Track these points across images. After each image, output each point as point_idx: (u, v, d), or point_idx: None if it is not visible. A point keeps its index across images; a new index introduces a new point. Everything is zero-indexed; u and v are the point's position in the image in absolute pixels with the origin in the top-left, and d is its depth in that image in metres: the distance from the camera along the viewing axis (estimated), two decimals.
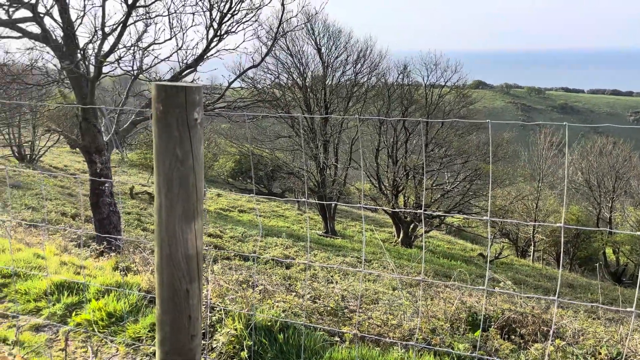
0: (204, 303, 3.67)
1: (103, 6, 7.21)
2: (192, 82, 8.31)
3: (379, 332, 3.81)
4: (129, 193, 21.21)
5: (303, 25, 19.95)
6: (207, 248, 3.48)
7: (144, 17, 7.90)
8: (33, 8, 6.82)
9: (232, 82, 9.09)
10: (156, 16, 8.10)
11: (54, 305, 4.25)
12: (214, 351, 3.47)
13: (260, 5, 8.47)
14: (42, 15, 6.97)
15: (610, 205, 29.85)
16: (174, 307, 1.65)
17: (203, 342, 3.56)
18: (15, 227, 7.78)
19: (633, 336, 2.94)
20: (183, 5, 8.03)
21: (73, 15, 7.16)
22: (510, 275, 20.08)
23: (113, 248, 6.87)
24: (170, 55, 8.26)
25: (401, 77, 25.16)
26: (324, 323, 4.05)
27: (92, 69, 7.48)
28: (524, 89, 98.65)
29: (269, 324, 3.68)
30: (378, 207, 24.00)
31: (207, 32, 8.38)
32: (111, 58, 7.64)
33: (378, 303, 6.49)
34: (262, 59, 9.63)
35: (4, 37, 8.38)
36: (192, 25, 8.26)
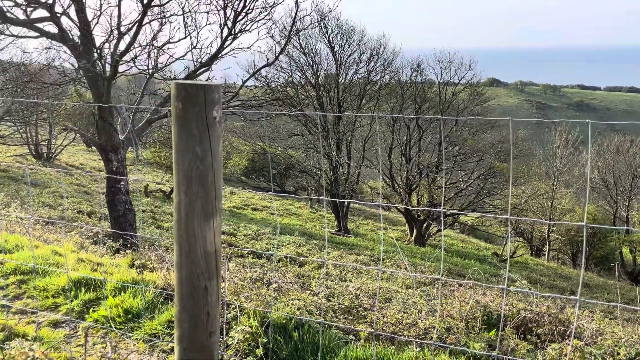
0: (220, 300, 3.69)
1: (119, 5, 7.28)
2: (207, 80, 8.35)
3: (394, 331, 3.80)
4: (143, 191, 21.40)
5: (317, 24, 19.94)
6: (222, 246, 3.50)
7: (159, 17, 7.96)
8: (50, 8, 6.91)
9: (247, 80, 9.12)
10: (171, 15, 8.16)
11: (72, 301, 4.31)
12: (230, 348, 3.49)
13: (274, 4, 8.50)
14: (59, 15, 7.05)
15: (627, 204, 29.41)
16: (193, 304, 1.66)
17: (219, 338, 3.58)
18: (34, 224, 7.89)
19: None
20: (198, 4, 8.08)
21: (89, 15, 7.26)
22: (525, 275, 19.91)
23: (129, 245, 6.94)
24: (185, 54, 8.32)
25: (414, 75, 25.03)
26: (338, 321, 4.05)
27: (108, 68, 7.56)
28: (539, 87, 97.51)
29: (284, 321, 3.69)
30: (398, 206, 23.92)
31: (222, 30, 8.43)
32: (127, 57, 7.71)
33: (392, 301, 6.47)
34: (276, 58, 9.65)
35: (22, 37, 8.50)
36: (206, 24, 8.32)
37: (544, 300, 5.46)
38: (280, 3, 8.35)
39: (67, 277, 4.49)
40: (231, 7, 8.20)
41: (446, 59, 25.15)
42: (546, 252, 28.55)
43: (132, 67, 7.96)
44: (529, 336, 4.65)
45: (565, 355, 3.01)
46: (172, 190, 21.33)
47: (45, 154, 25.12)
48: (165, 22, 8.05)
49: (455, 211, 23.06)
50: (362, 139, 24.48)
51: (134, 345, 3.41)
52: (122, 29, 7.39)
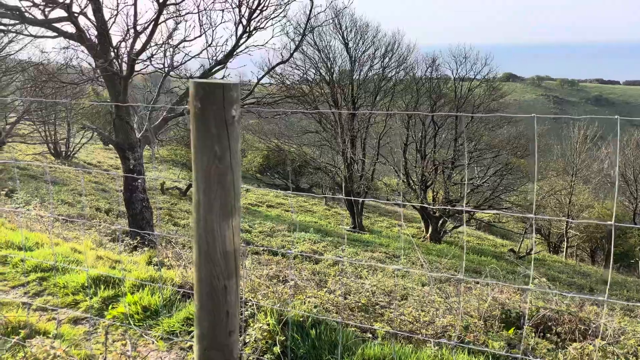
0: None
1: (135, 5, 7.33)
2: (222, 78, 8.37)
3: (412, 329, 3.77)
4: (159, 188, 21.58)
5: (331, 20, 19.88)
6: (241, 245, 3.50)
7: (175, 15, 8.00)
8: (68, 8, 6.98)
9: (262, 77, 9.14)
10: (186, 13, 8.19)
11: (91, 298, 4.36)
12: (247, 346, 3.50)
13: (288, 1, 8.48)
14: (76, 14, 7.12)
15: None
16: (212, 303, 1.66)
17: None
18: (53, 221, 8.01)
19: None
20: (213, 3, 8.10)
21: (106, 15, 7.32)
22: (542, 272, 19.66)
23: (146, 243, 7.01)
24: (201, 52, 8.35)
25: (430, 71, 24.84)
26: (355, 319, 4.04)
27: (124, 66, 7.63)
28: (556, 81, 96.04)
29: (301, 319, 3.69)
30: (422, 204, 23.80)
31: (236, 28, 8.44)
32: (143, 56, 7.77)
33: (407, 299, 6.44)
34: (291, 55, 9.64)
35: (40, 37, 8.60)
36: (221, 22, 8.33)
37: (562, 298, 5.38)
38: (294, 0, 8.33)
39: (87, 274, 4.54)
40: (246, 4, 8.21)
41: (462, 54, 24.92)
42: (564, 249, 28.18)
43: (148, 65, 8.03)
44: (548, 335, 4.59)
45: (587, 354, 2.95)
46: (188, 188, 21.44)
47: (63, 152, 25.47)
48: (181, 21, 8.10)
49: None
50: (377, 135, 24.38)
51: (153, 343, 3.43)
52: (138, 27, 7.45)
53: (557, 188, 27.01)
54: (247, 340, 3.51)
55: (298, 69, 23.09)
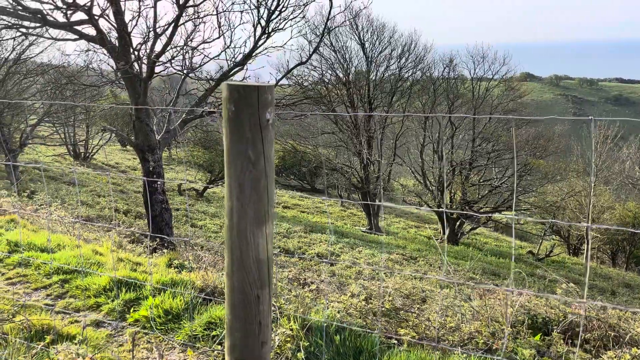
0: None
1: (155, 7, 7.35)
2: (242, 80, 8.36)
3: (437, 336, 3.69)
4: (176, 190, 21.72)
5: (348, 22, 19.80)
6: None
7: (194, 17, 8.01)
8: (88, 10, 7.02)
9: (281, 79, 9.11)
10: (205, 15, 8.20)
11: (112, 301, 4.35)
12: (271, 351, 3.45)
13: (307, 2, 8.44)
14: (97, 17, 7.17)
15: None
16: (245, 313, 1.61)
17: None
18: (73, 223, 8.07)
19: None
20: (232, 4, 8.09)
21: (127, 17, 7.35)
22: (563, 274, 19.33)
23: (165, 244, 7.01)
24: (220, 54, 8.35)
25: (447, 71, 24.62)
26: (379, 324, 3.97)
27: (144, 68, 7.65)
28: (574, 81, 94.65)
29: (325, 324, 3.63)
30: (463, 212, 23.61)
31: (255, 29, 8.42)
32: (163, 58, 7.78)
33: (426, 302, 6.34)
34: (310, 56, 9.60)
35: (61, 40, 8.68)
36: (240, 24, 8.31)
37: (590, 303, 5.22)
38: (313, 0, 8.29)
39: (109, 277, 4.53)
40: (265, 5, 8.19)
41: (479, 54, 24.65)
42: (584, 251, 27.69)
43: (168, 67, 8.04)
44: (576, 341, 4.46)
45: None
46: (205, 189, 21.46)
47: (82, 153, 25.78)
48: (200, 23, 8.10)
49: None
50: (394, 136, 24.23)
51: (175, 348, 3.40)
52: (158, 30, 7.47)
53: (577, 189, 26.56)
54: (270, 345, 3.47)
55: (315, 70, 23.07)
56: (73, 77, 9.60)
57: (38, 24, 7.38)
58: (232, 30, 8.29)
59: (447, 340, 3.63)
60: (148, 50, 7.50)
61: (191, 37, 8.04)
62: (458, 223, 24.11)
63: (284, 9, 8.31)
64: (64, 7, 7.12)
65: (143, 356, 3.09)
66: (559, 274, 19.69)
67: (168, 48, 7.67)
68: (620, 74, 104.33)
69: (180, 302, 4.16)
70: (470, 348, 3.60)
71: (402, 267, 15.29)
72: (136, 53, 7.44)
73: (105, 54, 7.60)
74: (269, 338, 1.67)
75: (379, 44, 23.55)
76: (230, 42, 8.35)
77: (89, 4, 6.94)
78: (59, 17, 7.34)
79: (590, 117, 1.51)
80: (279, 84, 9.71)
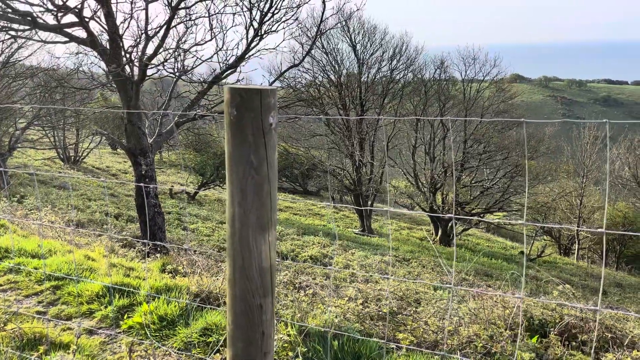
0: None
1: (146, 9, 7.27)
2: (235, 82, 8.30)
3: (436, 339, 3.66)
4: (168, 193, 21.58)
5: (340, 24, 19.78)
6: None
7: (186, 19, 7.94)
8: (79, 13, 6.93)
9: (273, 82, 9.06)
10: (197, 18, 8.13)
11: (106, 307, 4.28)
12: None
13: (300, 4, 8.40)
14: (87, 19, 7.08)
15: None
16: (247, 322, 1.57)
17: None
18: (64, 228, 7.96)
19: None
20: (224, 6, 8.03)
21: (118, 19, 7.27)
22: (555, 274, 19.44)
23: (158, 249, 6.93)
24: (212, 56, 8.28)
25: (438, 73, 24.71)
26: (377, 328, 3.93)
27: (136, 71, 7.57)
28: (563, 82, 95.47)
29: (323, 329, 3.59)
30: (468, 217, 23.65)
31: (247, 31, 8.36)
32: (155, 60, 7.70)
33: (420, 304, 6.31)
34: (303, 59, 9.56)
35: (51, 42, 8.58)
36: (232, 26, 8.27)
37: (586, 305, 5.22)
38: (307, 2, 8.26)
39: (101, 282, 4.46)
40: (257, 7, 8.14)
41: (470, 56, 24.77)
42: (575, 251, 27.90)
43: (160, 70, 7.95)
44: (573, 343, 4.45)
45: None
46: (196, 192, 21.29)
47: (72, 157, 25.53)
48: (192, 25, 8.03)
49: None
50: (386, 138, 24.26)
51: (175, 355, 3.34)
52: (150, 32, 7.39)
53: (567, 190, 26.75)
54: None
55: (307, 72, 23.04)
56: (63, 80, 9.49)
57: (27, 27, 7.28)
58: (225, 32, 8.25)
59: (446, 344, 3.61)
60: (140, 53, 7.42)
61: (183, 40, 7.98)
62: (450, 224, 24.17)
63: (276, 11, 8.27)
64: (54, 9, 7.03)
65: None
66: (552, 275, 19.84)
67: (160, 50, 7.59)
68: (609, 76, 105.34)
69: (175, 308, 4.10)
70: (469, 352, 3.58)
71: (395, 269, 15.29)
72: (128, 56, 7.36)
73: (96, 57, 7.52)
74: (272, 348, 1.63)
75: (371, 46, 23.59)
76: (223, 44, 8.31)
77: (79, 6, 6.85)
78: (49, 19, 7.26)
79: (605, 120, 1.49)
80: (271, 86, 9.70)
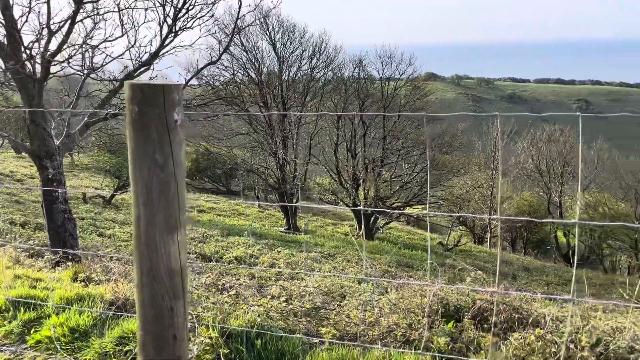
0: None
1: (48, 2, 6.80)
2: (149, 80, 7.97)
3: (358, 331, 3.75)
4: (81, 197, 20.38)
5: (258, 22, 19.64)
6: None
7: (93, 14, 7.52)
8: None
9: (190, 79, 8.83)
10: (105, 12, 7.72)
11: (10, 322, 3.98)
12: None
13: (215, 1, 8.24)
14: None
15: (559, 189, 31.12)
16: (158, 327, 1.51)
17: None
18: None
19: (608, 323, 3.00)
20: (135, 1, 7.70)
21: (16, 13, 6.73)
22: (469, 262, 20.56)
23: (70, 257, 6.53)
24: (123, 53, 7.91)
25: (357, 71, 25.27)
26: (300, 324, 3.95)
27: (39, 68, 7.06)
28: (473, 80, 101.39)
29: (245, 329, 3.55)
30: (391, 210, 24.07)
31: (161, 28, 8.07)
32: (59, 57, 7.22)
33: (345, 298, 6.43)
34: (220, 56, 9.38)
35: None
36: (145, 22, 7.93)
37: (494, 288, 5.55)
38: None
39: (5, 297, 4.14)
40: (171, 3, 7.88)
41: (387, 55, 25.56)
42: (488, 239, 29.71)
43: (65, 67, 7.47)
44: (485, 325, 4.73)
45: (529, 344, 3.05)
46: (112, 196, 20.31)
47: None
48: (100, 20, 7.61)
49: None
50: (308, 136, 24.45)
51: None
52: (53, 27, 6.91)
53: (479, 182, 28.39)
54: (188, 357, 3.33)
55: (226, 70, 22.67)
56: None
57: None
58: (137, 28, 7.90)
59: (367, 335, 3.70)
60: (42, 49, 6.92)
61: (90, 35, 7.54)
62: (373, 218, 24.84)
63: (191, 7, 8.05)
64: None
65: None
66: (467, 262, 20.93)
67: (65, 47, 7.12)
68: (514, 74, 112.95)
69: (88, 318, 3.89)
70: (389, 341, 3.70)
71: (320, 265, 15.45)
72: (28, 52, 6.84)
73: None
74: (185, 352, 1.59)
75: (290, 44, 23.67)
76: (135, 40, 7.95)
77: None
78: None
79: (496, 114, 1.58)
80: (189, 84, 9.38)
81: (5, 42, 6.71)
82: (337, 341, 3.55)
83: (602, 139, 33.37)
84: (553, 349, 2.82)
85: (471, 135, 32.68)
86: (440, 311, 4.77)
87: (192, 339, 3.56)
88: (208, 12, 8.28)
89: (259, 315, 3.72)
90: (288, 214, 23.38)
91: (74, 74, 8.02)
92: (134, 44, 7.91)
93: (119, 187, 20.93)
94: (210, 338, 3.43)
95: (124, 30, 7.80)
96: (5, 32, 6.65)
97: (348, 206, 24.71)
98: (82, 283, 5.01)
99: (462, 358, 3.40)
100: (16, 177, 24.54)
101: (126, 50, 7.88)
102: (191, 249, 14.72)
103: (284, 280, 8.21)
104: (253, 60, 22.93)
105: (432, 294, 4.84)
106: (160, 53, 8.10)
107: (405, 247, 22.78)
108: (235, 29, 9.07)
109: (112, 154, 21.66)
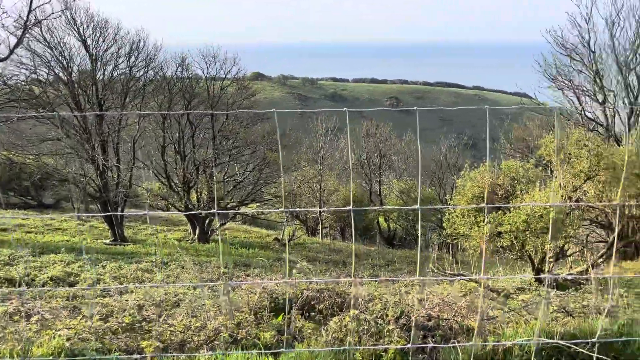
0: None
1: None
2: None
3: (183, 339, 3.60)
4: None
5: (60, 14, 17.71)
6: None
7: None
8: None
9: None
10: None
11: None
12: None
13: None
14: None
15: (379, 180, 34.19)
16: None
17: None
18: None
19: (407, 294, 3.33)
20: None
21: None
22: (304, 254, 21.43)
23: None
24: None
25: (180, 71, 24.45)
26: (119, 342, 3.66)
27: None
28: (299, 80, 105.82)
29: (51, 357, 3.17)
30: (237, 211, 23.09)
31: None
32: None
33: (179, 306, 6.19)
34: (11, 51, 8.19)
35: None
36: None
37: (322, 277, 5.85)
38: None
39: None
40: None
41: (210, 54, 25.20)
42: (320, 231, 31.29)
43: None
44: (312, 313, 4.95)
45: (345, 326, 3.25)
46: None
47: None
48: None
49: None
50: (131, 139, 22.91)
51: None
52: None
53: (309, 177, 29.71)
54: None
55: (25, 68, 19.98)
56: None
57: None
58: None
59: (193, 342, 3.58)
60: None
61: None
62: (207, 221, 24.34)
63: None
64: None
65: None
66: (301, 254, 21.76)
67: None
68: (335, 74, 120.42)
69: None
70: (217, 344, 3.63)
71: (152, 275, 14.65)
72: None
73: None
74: None
75: (104, 41, 21.83)
76: None
77: None
78: None
79: (273, 110, 1.61)
80: None
81: None
82: (159, 354, 3.37)
83: (411, 132, 37.43)
84: (365, 327, 3.04)
85: (299, 133, 34.07)
86: (269, 306, 4.84)
87: None
88: None
89: (67, 339, 3.35)
90: (113, 224, 21.66)
91: None
92: None
93: None
94: None
95: None
96: None
97: (180, 210, 23.80)
98: None
99: (287, 350, 3.49)
100: None
101: None
102: None
103: (110, 297, 7.58)
104: (60, 58, 20.62)
105: (260, 290, 4.90)
106: None
107: (242, 246, 22.80)
108: (28, 23, 8.00)
109: None
